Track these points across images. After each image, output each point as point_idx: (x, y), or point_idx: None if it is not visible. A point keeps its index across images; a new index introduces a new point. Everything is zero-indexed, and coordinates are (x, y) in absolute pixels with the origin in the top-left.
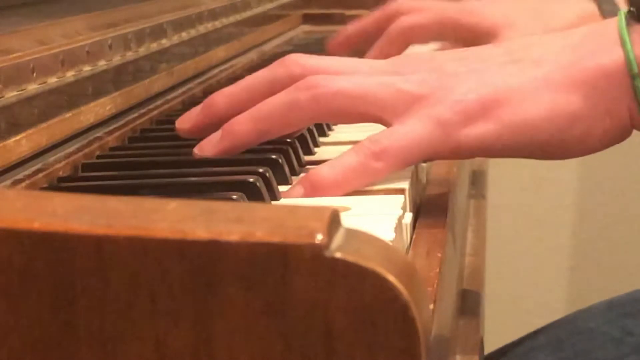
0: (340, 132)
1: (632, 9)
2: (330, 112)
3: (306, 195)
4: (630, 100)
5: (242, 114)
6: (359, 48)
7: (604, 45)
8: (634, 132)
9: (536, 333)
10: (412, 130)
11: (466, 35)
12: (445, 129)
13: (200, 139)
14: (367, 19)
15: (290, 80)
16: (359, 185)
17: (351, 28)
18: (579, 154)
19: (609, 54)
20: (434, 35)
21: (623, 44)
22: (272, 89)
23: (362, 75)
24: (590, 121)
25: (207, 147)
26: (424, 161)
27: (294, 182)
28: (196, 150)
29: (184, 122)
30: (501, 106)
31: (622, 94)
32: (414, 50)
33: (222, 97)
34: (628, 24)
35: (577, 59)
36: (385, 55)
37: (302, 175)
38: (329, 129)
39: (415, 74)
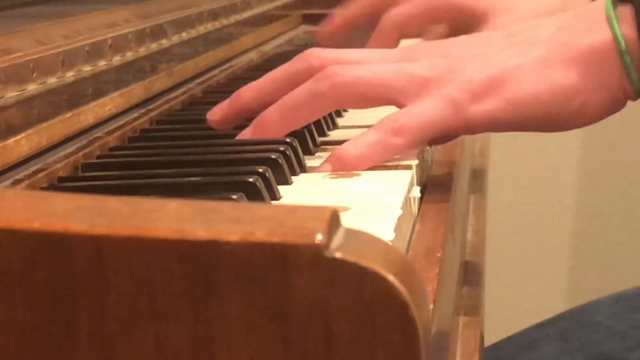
0: (340, 132)
1: None
2: (349, 98)
3: (334, 169)
4: (621, 75)
5: (270, 107)
6: (347, 37)
7: (593, 25)
8: (634, 133)
9: (542, 325)
10: (426, 109)
11: (459, 16)
12: (455, 106)
13: (227, 131)
14: (356, 6)
15: (310, 72)
16: (380, 160)
17: (339, 18)
18: (578, 126)
19: (598, 33)
20: (427, 21)
21: (610, 23)
22: (294, 82)
23: (376, 63)
24: (586, 95)
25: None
26: (439, 139)
27: (321, 162)
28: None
29: (214, 114)
30: (504, 84)
31: (613, 69)
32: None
33: (248, 91)
34: (613, 5)
35: (570, 39)
36: None
37: (301, 175)
38: (329, 129)
39: (425, 59)
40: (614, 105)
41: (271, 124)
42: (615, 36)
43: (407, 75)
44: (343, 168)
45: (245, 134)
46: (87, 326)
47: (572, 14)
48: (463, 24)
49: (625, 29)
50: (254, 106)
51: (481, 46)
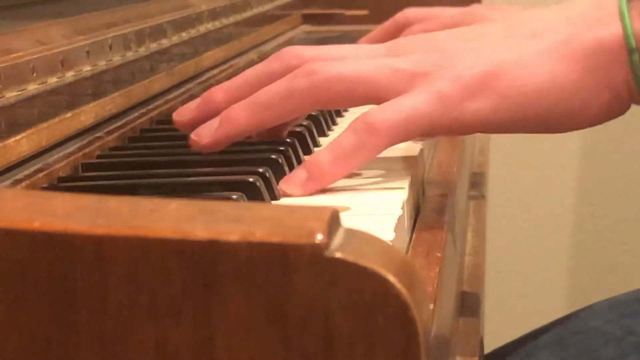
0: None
1: None
2: (329, 98)
3: (309, 183)
4: (628, 75)
5: (240, 102)
6: None
7: (603, 18)
8: (634, 133)
9: (538, 332)
10: (411, 103)
11: None
12: (446, 103)
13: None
14: (377, 31)
15: (288, 72)
16: (361, 165)
17: (362, 42)
18: (578, 127)
19: (607, 27)
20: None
21: (622, 18)
22: (270, 81)
23: (359, 59)
24: (589, 93)
25: (204, 134)
26: (423, 136)
27: (295, 169)
28: (193, 136)
29: (182, 115)
30: (500, 80)
31: (620, 68)
32: None
33: (220, 91)
34: None
35: (576, 32)
36: None
37: None
38: (329, 129)
39: (413, 54)
40: (617, 107)
41: (239, 120)
42: (625, 32)
43: (393, 70)
44: (320, 181)
45: (209, 128)
46: (87, 326)
47: (582, 3)
48: None
49: (638, 25)
50: (225, 108)
51: (477, 39)
